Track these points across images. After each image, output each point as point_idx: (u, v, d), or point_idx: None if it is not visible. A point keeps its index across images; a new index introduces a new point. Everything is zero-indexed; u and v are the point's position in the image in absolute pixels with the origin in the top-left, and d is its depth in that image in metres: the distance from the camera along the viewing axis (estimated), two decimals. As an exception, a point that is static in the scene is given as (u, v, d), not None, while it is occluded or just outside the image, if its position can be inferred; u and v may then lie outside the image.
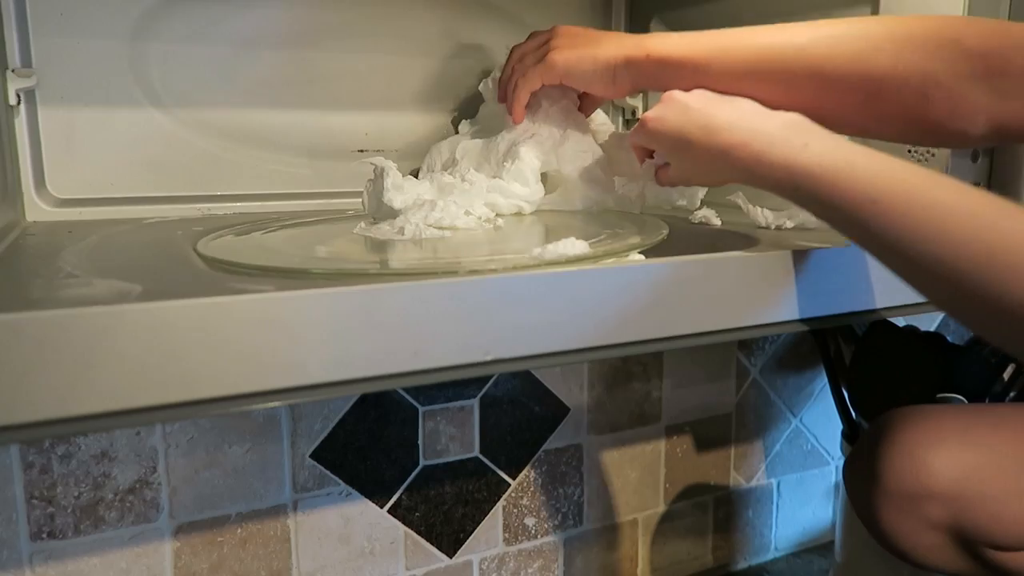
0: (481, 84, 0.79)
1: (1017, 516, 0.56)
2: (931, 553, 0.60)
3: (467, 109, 0.83)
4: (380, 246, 0.55)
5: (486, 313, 0.41)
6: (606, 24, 0.89)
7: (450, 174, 0.69)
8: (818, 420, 1.17)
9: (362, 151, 0.80)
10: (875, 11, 0.61)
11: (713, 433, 1.10)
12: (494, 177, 0.68)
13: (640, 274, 0.45)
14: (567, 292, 0.43)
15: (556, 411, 0.97)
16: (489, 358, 0.41)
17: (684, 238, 0.58)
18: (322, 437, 0.83)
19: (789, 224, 0.61)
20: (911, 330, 0.94)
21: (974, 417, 0.61)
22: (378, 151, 0.80)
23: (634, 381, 1.01)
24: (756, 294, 0.49)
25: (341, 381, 0.39)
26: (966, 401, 0.86)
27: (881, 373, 0.93)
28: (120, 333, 0.33)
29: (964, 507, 0.57)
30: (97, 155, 0.69)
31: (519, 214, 0.67)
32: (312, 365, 0.38)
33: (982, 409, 0.64)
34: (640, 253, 0.49)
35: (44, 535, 0.73)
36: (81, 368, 0.33)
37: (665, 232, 0.55)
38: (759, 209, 0.62)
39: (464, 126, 0.77)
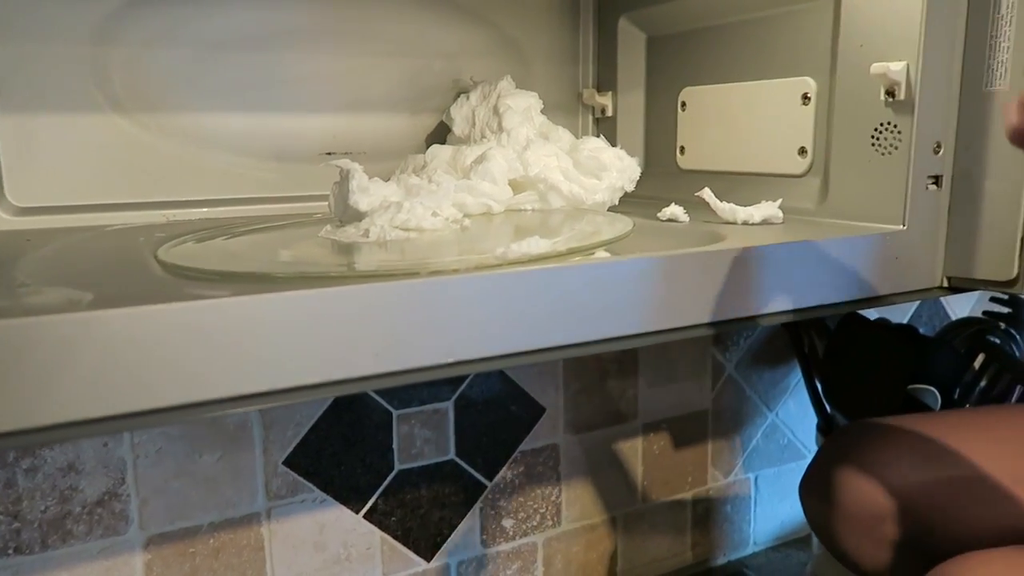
0: (444, 115, 0.79)
1: (974, 527, 0.55)
2: (892, 571, 0.59)
3: (435, 111, 0.83)
4: (345, 249, 0.54)
5: (450, 314, 0.41)
6: (574, 24, 0.89)
7: (418, 176, 0.69)
8: (794, 414, 1.18)
9: (330, 154, 0.79)
10: (837, 11, 0.61)
11: (690, 430, 1.10)
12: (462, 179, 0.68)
13: (605, 271, 0.45)
14: (531, 291, 0.42)
15: (532, 411, 0.96)
16: (452, 359, 0.41)
17: (650, 235, 0.58)
18: (295, 443, 0.82)
19: (756, 219, 0.61)
20: (883, 323, 0.95)
21: (930, 430, 0.60)
22: (346, 153, 0.80)
23: (609, 380, 1.01)
24: (723, 289, 0.49)
25: (304, 386, 0.39)
26: (937, 392, 0.86)
27: (854, 366, 0.93)
28: (75, 342, 0.32)
29: (921, 522, 0.56)
30: (58, 162, 0.68)
31: (488, 214, 0.67)
32: (273, 370, 0.37)
33: (937, 421, 0.63)
34: (605, 250, 0.48)
35: (10, 551, 0.71)
36: (37, 378, 0.32)
37: (630, 229, 0.54)
38: (726, 204, 0.62)
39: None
